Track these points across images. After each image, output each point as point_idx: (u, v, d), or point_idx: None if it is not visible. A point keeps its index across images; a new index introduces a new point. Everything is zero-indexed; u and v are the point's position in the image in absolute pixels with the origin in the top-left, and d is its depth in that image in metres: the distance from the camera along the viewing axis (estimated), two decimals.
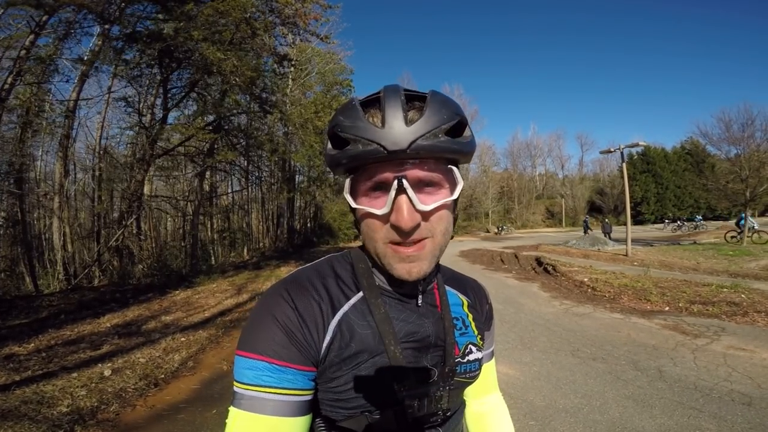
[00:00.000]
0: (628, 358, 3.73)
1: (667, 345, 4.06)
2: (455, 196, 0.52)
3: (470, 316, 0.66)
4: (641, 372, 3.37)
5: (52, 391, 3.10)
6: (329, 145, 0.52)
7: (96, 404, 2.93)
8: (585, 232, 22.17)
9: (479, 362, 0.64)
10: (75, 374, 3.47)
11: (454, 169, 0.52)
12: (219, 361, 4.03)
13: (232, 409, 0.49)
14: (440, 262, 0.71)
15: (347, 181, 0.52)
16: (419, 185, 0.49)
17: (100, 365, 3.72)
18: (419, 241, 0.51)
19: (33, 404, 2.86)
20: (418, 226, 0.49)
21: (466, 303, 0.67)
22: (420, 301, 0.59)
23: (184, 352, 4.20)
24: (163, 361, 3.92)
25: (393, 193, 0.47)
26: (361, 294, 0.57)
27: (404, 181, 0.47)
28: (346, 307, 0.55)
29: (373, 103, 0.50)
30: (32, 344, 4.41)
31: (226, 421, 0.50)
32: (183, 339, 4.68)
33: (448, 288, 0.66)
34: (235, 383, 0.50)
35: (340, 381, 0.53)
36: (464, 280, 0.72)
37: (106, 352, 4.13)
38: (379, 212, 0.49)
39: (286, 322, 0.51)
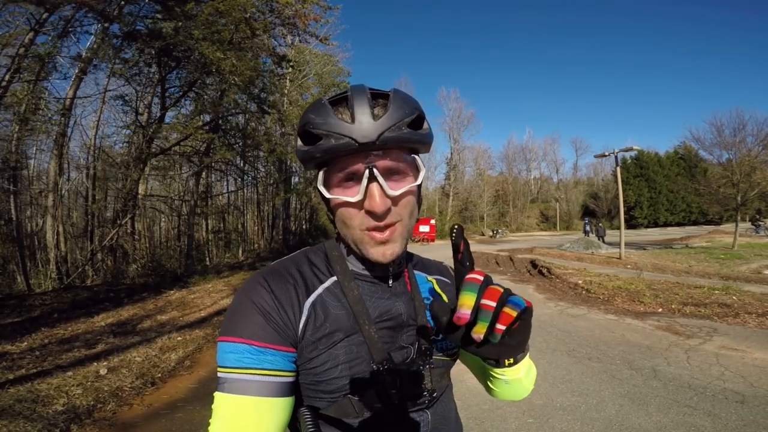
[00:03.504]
0: (623, 357, 3.78)
1: (661, 345, 4.12)
2: (419, 181, 0.57)
3: (444, 296, 0.68)
4: (636, 371, 3.42)
5: (47, 389, 3.07)
6: (299, 143, 0.55)
7: (92, 403, 2.91)
8: (585, 233, 22.42)
9: None
10: (70, 373, 3.44)
11: (417, 157, 0.57)
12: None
13: (216, 394, 0.51)
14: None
15: (320, 174, 0.56)
16: (387, 173, 0.53)
17: (95, 364, 3.68)
18: (391, 225, 0.55)
19: (28, 403, 2.83)
20: (389, 210, 0.53)
21: (435, 283, 0.70)
22: (391, 282, 0.63)
23: (181, 351, 4.18)
24: (160, 360, 3.89)
25: (365, 181, 0.51)
26: (334, 278, 0.60)
27: (375, 170, 0.51)
28: (320, 290, 0.58)
29: (341, 101, 0.54)
30: (25, 343, 4.36)
31: (212, 407, 0.51)
32: (179, 338, 4.65)
33: (416, 272, 0.70)
34: (218, 369, 0.52)
35: (318, 361, 0.55)
36: (430, 263, 0.76)
37: (101, 351, 4.09)
38: (353, 200, 0.53)
39: (263, 305, 0.54)
